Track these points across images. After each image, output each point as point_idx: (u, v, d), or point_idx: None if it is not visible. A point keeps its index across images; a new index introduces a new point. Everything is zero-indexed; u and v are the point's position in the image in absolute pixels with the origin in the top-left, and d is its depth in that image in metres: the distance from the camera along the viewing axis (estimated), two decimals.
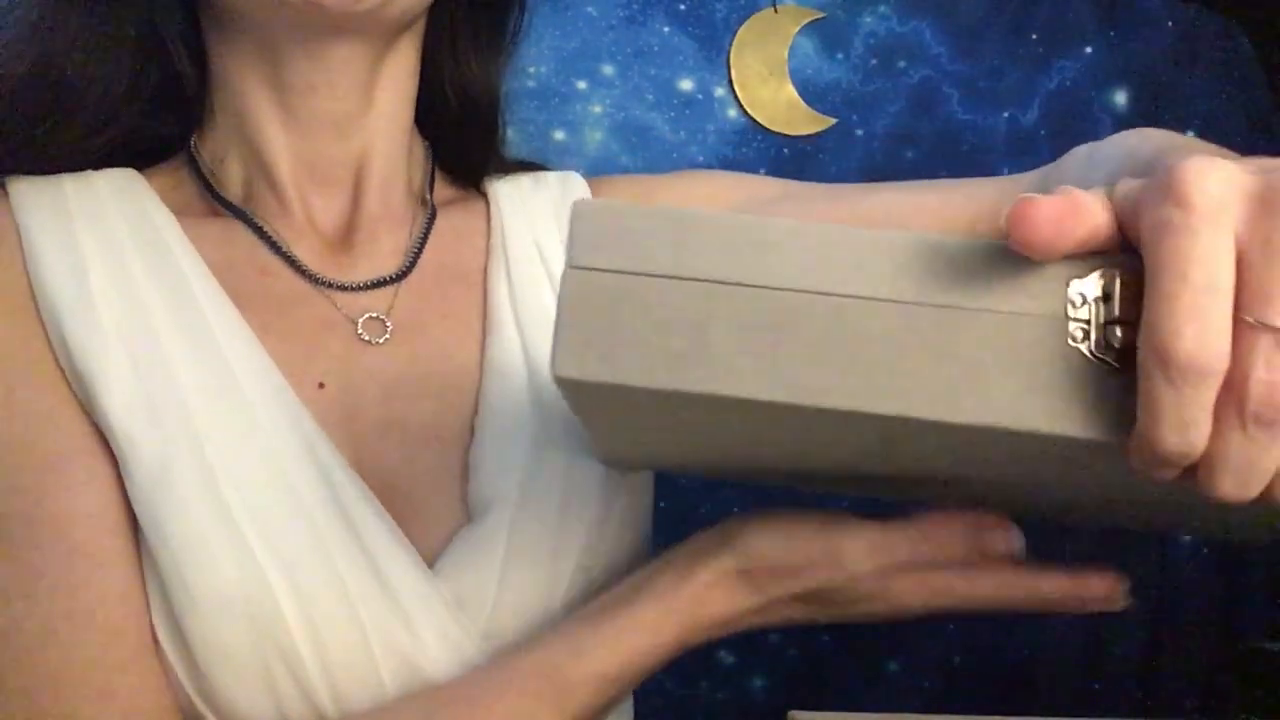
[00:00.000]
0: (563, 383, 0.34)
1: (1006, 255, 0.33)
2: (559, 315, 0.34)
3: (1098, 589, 0.45)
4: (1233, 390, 0.29)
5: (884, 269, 0.34)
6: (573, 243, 0.35)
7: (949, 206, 0.60)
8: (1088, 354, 0.32)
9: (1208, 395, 0.29)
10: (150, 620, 0.50)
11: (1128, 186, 0.32)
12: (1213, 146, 0.44)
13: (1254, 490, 0.31)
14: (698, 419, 0.38)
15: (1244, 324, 0.29)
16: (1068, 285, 0.33)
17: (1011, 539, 0.44)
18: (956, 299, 0.33)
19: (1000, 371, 0.33)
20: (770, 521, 0.47)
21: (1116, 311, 0.32)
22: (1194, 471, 0.31)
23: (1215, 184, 0.29)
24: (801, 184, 0.69)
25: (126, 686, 0.49)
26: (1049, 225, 0.31)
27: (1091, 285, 0.32)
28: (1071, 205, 0.31)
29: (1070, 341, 0.33)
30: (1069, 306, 0.33)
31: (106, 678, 0.48)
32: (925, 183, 0.64)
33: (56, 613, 0.48)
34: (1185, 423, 0.30)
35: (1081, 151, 0.54)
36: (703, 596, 0.48)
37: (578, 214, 0.35)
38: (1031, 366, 0.33)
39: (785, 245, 0.34)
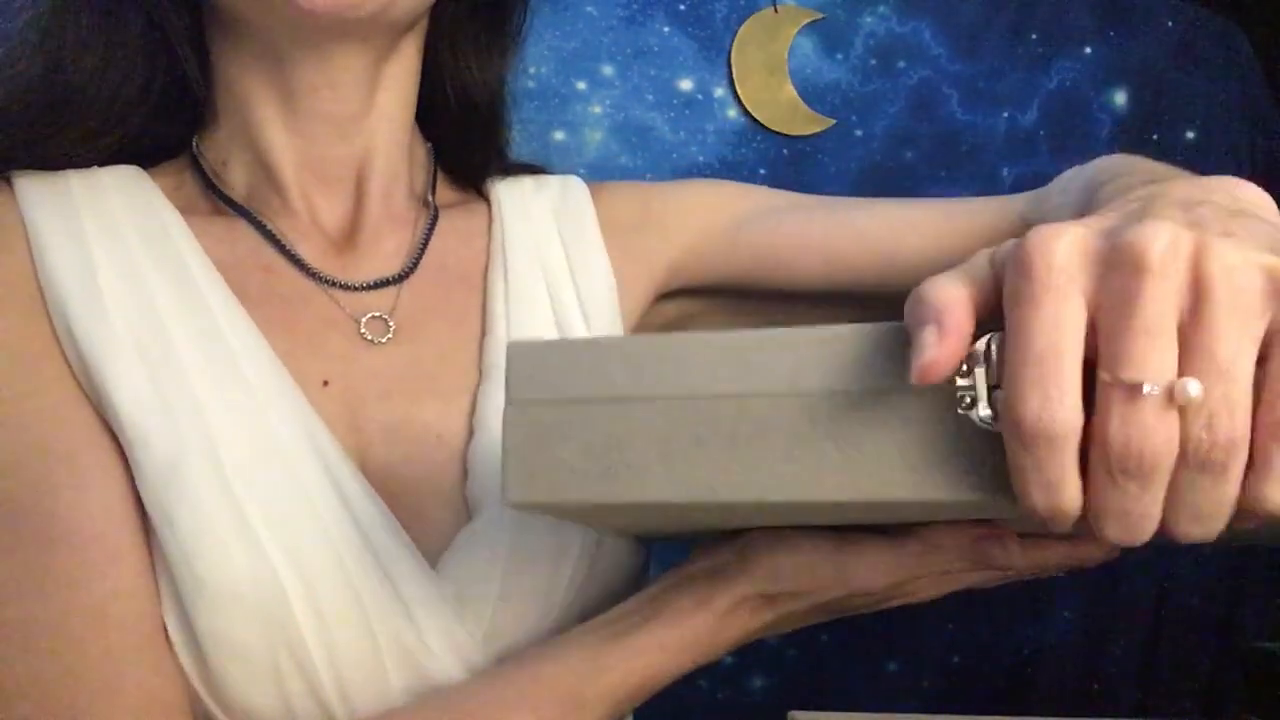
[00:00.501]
0: (514, 506, 0.38)
1: (895, 337, 0.35)
2: (504, 452, 0.38)
3: (1095, 550, 0.46)
4: (1097, 446, 0.30)
5: (782, 367, 0.36)
6: (509, 381, 0.39)
7: (945, 226, 0.62)
8: (976, 420, 0.33)
9: (1064, 457, 0.30)
10: (160, 614, 0.50)
11: (1001, 252, 0.33)
12: (1184, 174, 0.44)
13: (1144, 535, 0.32)
14: (649, 513, 0.41)
15: (1102, 381, 0.30)
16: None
17: (1011, 550, 0.45)
18: (849, 383, 0.35)
19: (897, 447, 0.35)
20: (786, 544, 0.47)
21: (997, 377, 0.33)
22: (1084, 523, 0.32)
23: (1059, 252, 0.30)
24: (804, 196, 0.69)
25: (137, 681, 0.49)
26: (938, 369, 0.32)
27: (977, 353, 0.33)
28: (948, 348, 0.32)
29: (960, 409, 0.33)
30: (956, 376, 0.33)
31: (117, 672, 0.48)
32: (923, 202, 0.66)
33: (67, 608, 0.48)
34: (1049, 483, 0.31)
35: (1065, 176, 0.56)
36: (722, 621, 0.49)
37: (512, 355, 0.39)
38: (926, 439, 0.34)
39: (683, 356, 0.37)
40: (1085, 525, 0.32)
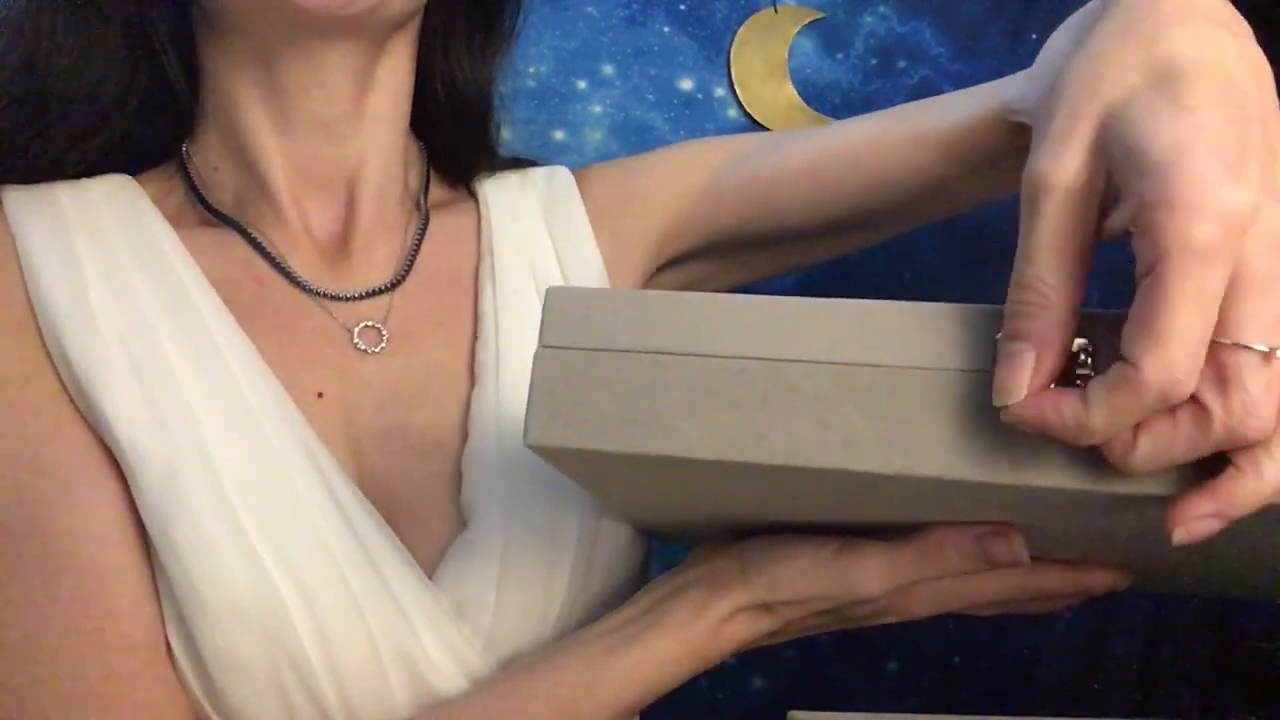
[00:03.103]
0: (534, 449, 0.38)
1: (936, 314, 0.35)
2: (531, 391, 0.38)
3: (1100, 579, 0.45)
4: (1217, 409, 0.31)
5: (820, 335, 0.36)
6: (544, 325, 0.38)
7: (928, 133, 0.59)
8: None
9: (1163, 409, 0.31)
10: (162, 631, 0.50)
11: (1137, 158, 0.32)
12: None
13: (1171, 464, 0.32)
14: (664, 478, 0.41)
15: (1222, 345, 0.31)
16: (995, 342, 0.34)
17: (1015, 546, 0.44)
18: (889, 358, 0.36)
19: (930, 424, 0.35)
20: (785, 551, 0.47)
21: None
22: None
23: (1230, 214, 0.30)
24: (776, 133, 0.68)
25: (138, 700, 0.49)
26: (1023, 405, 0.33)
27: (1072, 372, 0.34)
28: (1040, 380, 0.33)
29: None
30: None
31: (117, 693, 0.48)
32: (899, 109, 0.63)
33: (65, 629, 0.48)
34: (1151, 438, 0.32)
35: (1050, 45, 0.49)
36: (720, 630, 0.48)
37: (549, 299, 0.39)
38: (960, 418, 0.35)
39: (727, 315, 0.37)
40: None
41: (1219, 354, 0.31)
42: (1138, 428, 0.32)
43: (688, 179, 0.66)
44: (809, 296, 0.37)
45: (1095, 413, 0.32)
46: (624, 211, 0.66)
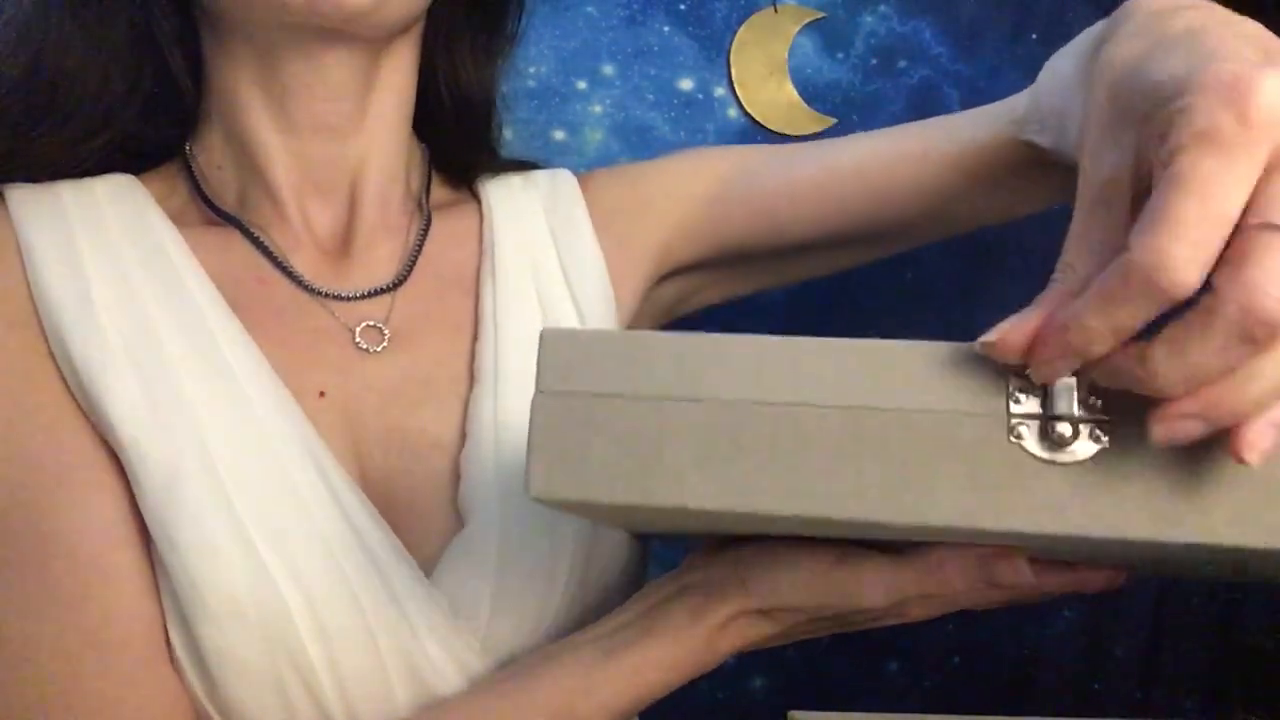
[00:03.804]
0: (538, 500, 0.37)
1: (946, 356, 0.35)
2: (530, 439, 0.37)
3: (1097, 578, 0.45)
4: (1234, 294, 0.29)
5: (827, 375, 0.35)
6: (540, 370, 0.37)
7: (934, 151, 0.60)
8: (1029, 451, 0.34)
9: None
10: (162, 631, 0.50)
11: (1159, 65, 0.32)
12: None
13: (1191, 390, 0.31)
14: (669, 516, 0.40)
15: (1250, 227, 0.29)
16: (1009, 383, 0.34)
17: (1020, 569, 0.44)
18: (900, 402, 0.35)
19: (943, 471, 0.34)
20: (784, 559, 0.47)
21: (1057, 408, 0.33)
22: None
23: (1267, 104, 0.29)
24: (782, 146, 0.68)
25: (137, 699, 0.49)
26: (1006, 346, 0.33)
27: (1031, 383, 0.34)
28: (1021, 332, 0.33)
29: (1011, 438, 0.34)
30: (1010, 403, 0.34)
31: (117, 691, 0.49)
32: (905, 127, 0.64)
33: (64, 628, 0.48)
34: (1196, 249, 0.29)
35: (1053, 64, 0.52)
36: (718, 635, 0.48)
37: (544, 342, 0.37)
38: (973, 465, 0.34)
39: (732, 358, 0.36)
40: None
41: (1241, 236, 0.29)
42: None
43: (695, 188, 0.66)
44: (814, 335, 0.36)
45: (1087, 306, 0.31)
46: (629, 217, 0.66)
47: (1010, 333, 0.33)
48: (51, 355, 0.51)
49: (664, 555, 0.61)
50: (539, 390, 0.38)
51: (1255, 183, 0.29)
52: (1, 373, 0.51)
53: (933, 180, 0.59)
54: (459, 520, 0.56)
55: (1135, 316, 0.30)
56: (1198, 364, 0.30)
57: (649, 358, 0.37)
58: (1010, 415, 0.34)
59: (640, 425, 0.36)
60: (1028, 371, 0.34)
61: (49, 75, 0.55)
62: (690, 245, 0.66)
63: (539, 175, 0.69)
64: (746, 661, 0.96)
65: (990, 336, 0.34)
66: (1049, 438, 0.33)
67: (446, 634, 0.52)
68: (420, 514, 0.55)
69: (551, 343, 0.38)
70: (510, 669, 0.52)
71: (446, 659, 0.52)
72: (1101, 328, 0.31)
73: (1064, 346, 0.32)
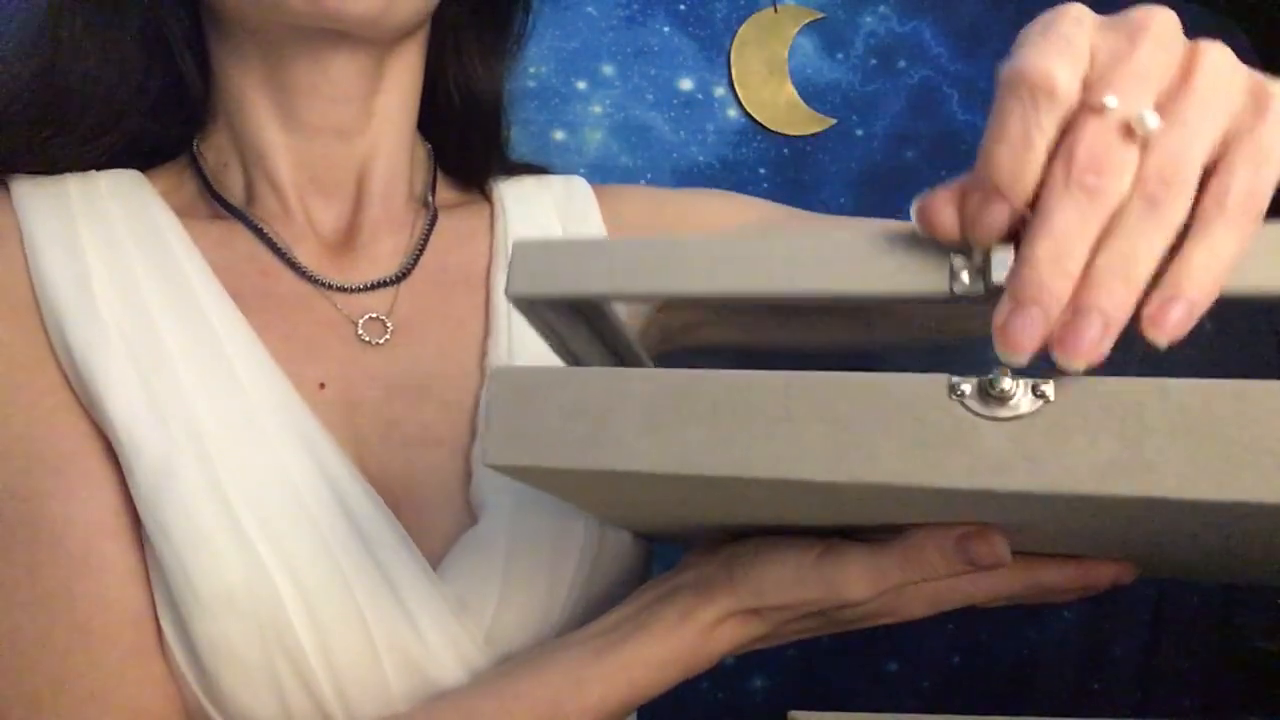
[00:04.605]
0: (494, 468, 0.38)
1: (890, 241, 0.35)
2: (488, 410, 0.38)
3: (1104, 573, 0.45)
4: (1061, 158, 0.32)
5: (775, 268, 0.36)
6: (511, 276, 0.39)
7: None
8: (970, 408, 0.34)
9: (1047, 117, 0.32)
10: (151, 623, 0.50)
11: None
12: None
13: (1072, 261, 0.32)
14: (631, 490, 0.41)
15: (1080, 106, 0.32)
16: (950, 259, 0.34)
17: (996, 546, 0.43)
18: (848, 286, 0.35)
19: (884, 430, 0.34)
20: (770, 556, 0.47)
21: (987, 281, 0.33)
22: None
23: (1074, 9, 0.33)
24: (798, 211, 0.70)
25: (124, 692, 0.49)
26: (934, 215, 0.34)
27: (968, 258, 0.34)
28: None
29: (953, 396, 0.34)
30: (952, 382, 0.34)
31: (104, 684, 0.49)
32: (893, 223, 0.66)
33: (53, 619, 0.49)
34: (1024, 136, 0.32)
35: None
36: (708, 634, 0.48)
37: (516, 250, 0.39)
38: (915, 422, 0.34)
39: (685, 255, 0.37)
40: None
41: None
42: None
43: (719, 226, 0.67)
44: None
45: (986, 137, 0.33)
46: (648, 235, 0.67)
47: (933, 199, 0.34)
48: (50, 344, 0.52)
49: (666, 557, 0.61)
50: (495, 364, 0.38)
51: (1086, 39, 0.32)
52: (0, 363, 0.51)
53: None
54: (469, 515, 0.56)
55: (1027, 127, 0.32)
56: (1063, 231, 0.31)
57: (601, 261, 0.38)
58: (951, 371, 0.34)
59: (590, 393, 0.37)
60: (966, 237, 0.34)
61: (62, 77, 0.56)
62: None
63: (553, 179, 0.70)
64: (746, 661, 0.96)
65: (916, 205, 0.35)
66: (989, 393, 0.33)
67: (449, 626, 0.52)
68: (423, 507, 0.56)
69: (522, 251, 0.39)
70: (501, 667, 0.52)
71: (447, 651, 0.52)
72: (1002, 152, 0.32)
73: (980, 184, 0.33)
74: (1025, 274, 0.31)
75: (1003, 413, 0.33)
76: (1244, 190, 0.31)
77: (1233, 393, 0.31)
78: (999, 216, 0.32)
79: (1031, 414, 0.33)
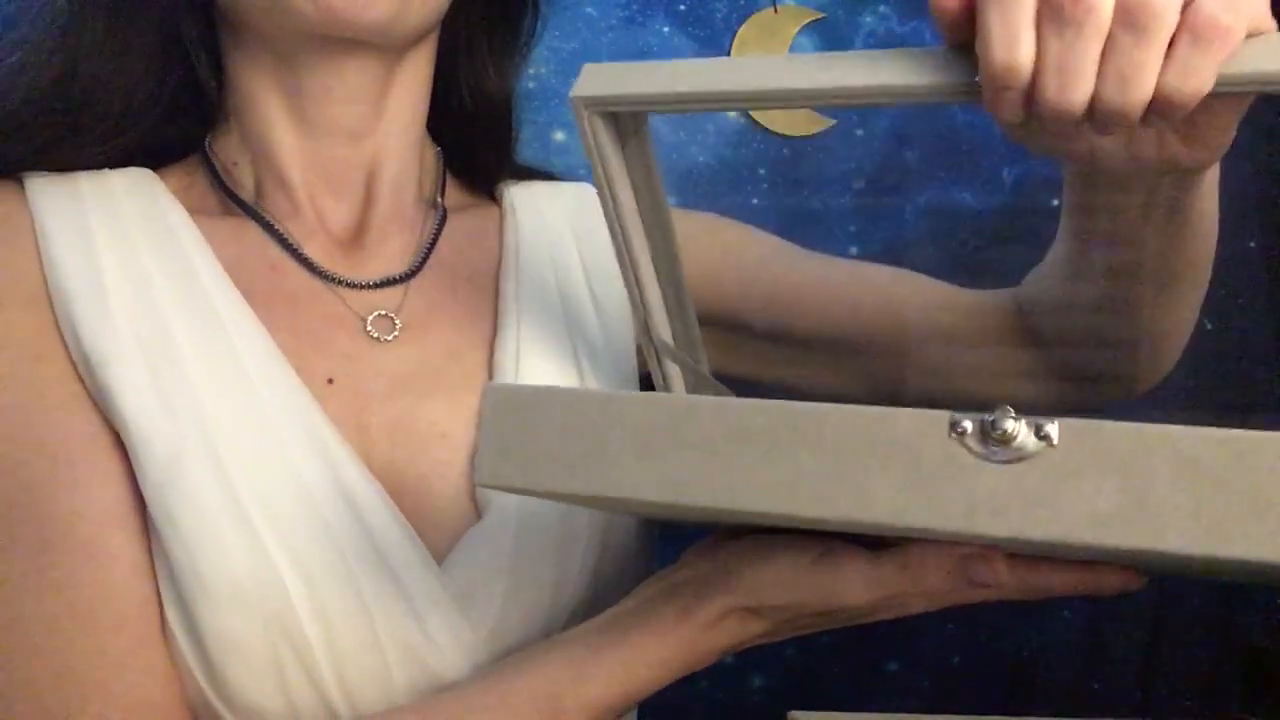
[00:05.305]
0: (485, 486, 0.38)
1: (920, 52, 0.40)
2: (481, 427, 0.38)
3: (1112, 580, 0.44)
4: (1049, 4, 0.37)
5: (812, 70, 0.40)
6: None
7: (911, 298, 0.67)
8: (969, 448, 0.33)
9: (1025, 13, 0.38)
10: (156, 613, 0.50)
11: None
12: None
13: (1079, 91, 0.38)
14: (628, 505, 0.41)
15: None
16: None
17: (999, 571, 0.43)
18: (884, 79, 0.39)
19: (879, 466, 0.33)
20: (766, 557, 0.47)
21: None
22: (1030, 101, 0.39)
23: None
24: (804, 254, 0.71)
25: (129, 682, 0.49)
26: None
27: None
28: None
29: (953, 434, 0.33)
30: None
31: (110, 672, 0.49)
32: (905, 273, 0.70)
33: (59, 609, 0.49)
34: (1011, 35, 0.38)
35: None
36: (706, 632, 0.48)
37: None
38: (911, 461, 0.33)
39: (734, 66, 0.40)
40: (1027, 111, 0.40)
41: None
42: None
43: (730, 256, 0.68)
44: None
45: None
46: None
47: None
48: (61, 338, 0.52)
49: (667, 557, 0.61)
50: (488, 383, 0.38)
51: None
52: (11, 353, 0.51)
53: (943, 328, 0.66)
54: (474, 511, 0.56)
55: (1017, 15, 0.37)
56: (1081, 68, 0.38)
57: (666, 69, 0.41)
58: (952, 409, 0.33)
59: (585, 416, 0.36)
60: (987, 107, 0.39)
61: (81, 79, 0.56)
62: (708, 300, 0.67)
63: (565, 185, 0.70)
64: (746, 661, 0.96)
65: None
66: (991, 434, 0.32)
67: (454, 620, 0.53)
68: (429, 502, 0.56)
69: (591, 66, 0.42)
70: (500, 662, 0.52)
71: (452, 645, 0.52)
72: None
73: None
74: (1048, 91, 0.38)
75: (1004, 454, 0.32)
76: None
77: (1243, 444, 0.30)
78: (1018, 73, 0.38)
79: (1034, 456, 0.32)
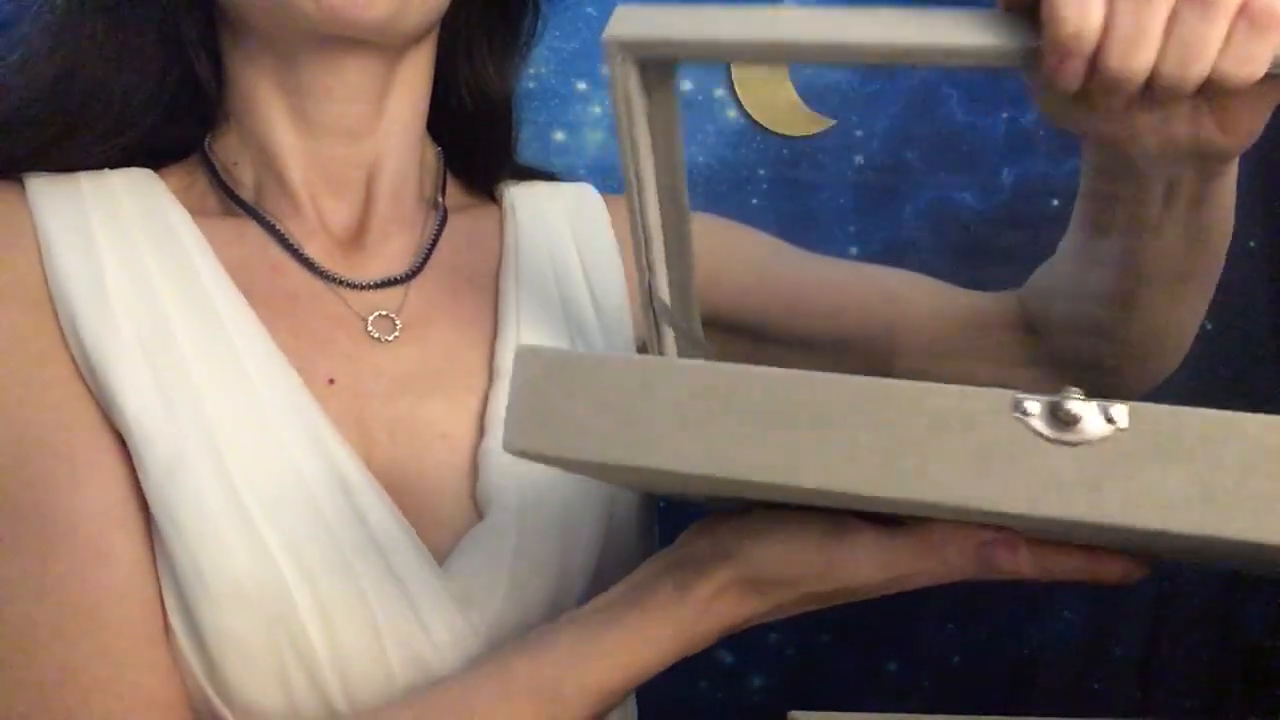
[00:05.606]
0: (513, 454, 0.36)
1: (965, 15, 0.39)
2: (511, 393, 0.36)
3: (1114, 568, 0.44)
4: None
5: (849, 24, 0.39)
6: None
7: (911, 299, 0.68)
8: (1035, 429, 0.32)
9: None
10: (158, 612, 0.51)
11: None
12: None
13: (1144, 61, 0.39)
14: (657, 478, 0.39)
15: None
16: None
17: (1019, 557, 0.42)
18: (930, 38, 0.38)
19: (941, 445, 0.32)
20: (770, 532, 0.46)
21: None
22: (1094, 66, 0.40)
23: None
24: (805, 255, 0.71)
25: (132, 680, 0.49)
26: None
27: None
28: None
29: (1017, 414, 0.32)
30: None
31: (112, 672, 0.49)
32: (905, 274, 0.71)
33: (62, 608, 0.49)
34: (1083, 2, 0.38)
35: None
36: (705, 609, 0.47)
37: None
38: (974, 440, 0.32)
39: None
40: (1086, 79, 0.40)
41: None
42: None
43: (733, 256, 0.69)
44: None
45: None
46: None
47: None
48: (63, 338, 0.52)
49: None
50: (520, 344, 0.38)
51: None
52: (13, 353, 0.51)
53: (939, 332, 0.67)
54: (474, 512, 0.56)
55: None
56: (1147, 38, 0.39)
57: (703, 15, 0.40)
58: (1017, 389, 0.32)
59: (621, 382, 0.35)
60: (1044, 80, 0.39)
61: (82, 79, 0.56)
62: (711, 300, 0.67)
63: (565, 186, 0.70)
64: (746, 661, 0.97)
65: None
66: (1057, 415, 0.31)
67: (454, 620, 0.53)
68: (430, 502, 0.56)
69: (624, 8, 0.41)
70: (500, 649, 0.52)
71: (453, 646, 0.53)
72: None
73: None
74: (1111, 58, 0.39)
75: (1070, 436, 0.31)
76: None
77: None
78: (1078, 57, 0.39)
79: (1101, 440, 0.31)
